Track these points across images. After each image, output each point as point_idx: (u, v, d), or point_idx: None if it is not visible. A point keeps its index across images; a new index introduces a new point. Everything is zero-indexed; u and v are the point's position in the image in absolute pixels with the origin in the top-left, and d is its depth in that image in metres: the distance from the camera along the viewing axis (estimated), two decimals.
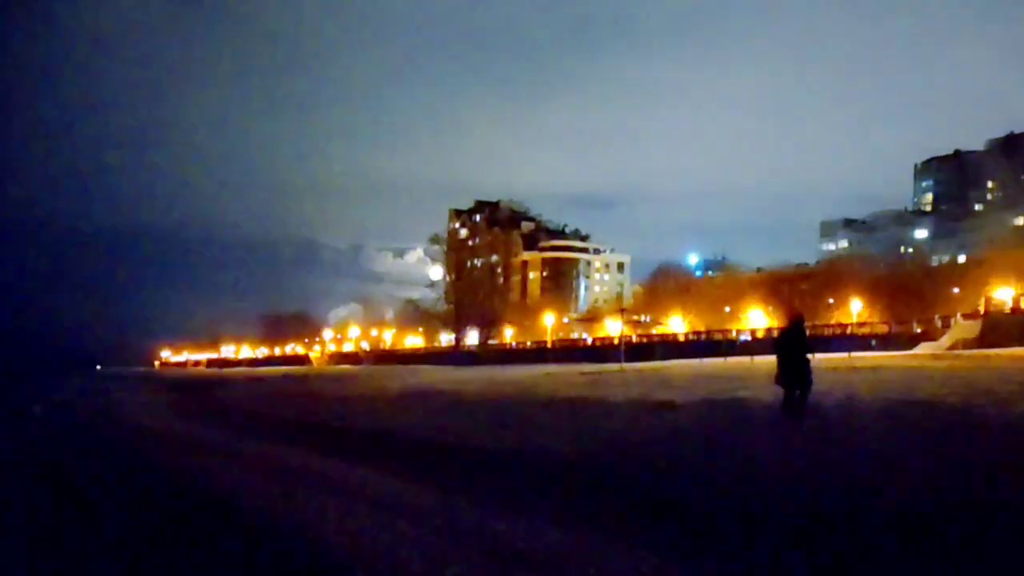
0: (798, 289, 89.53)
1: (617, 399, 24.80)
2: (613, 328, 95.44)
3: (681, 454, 13.73)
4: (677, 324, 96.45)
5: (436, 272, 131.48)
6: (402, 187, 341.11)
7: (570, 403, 25.07)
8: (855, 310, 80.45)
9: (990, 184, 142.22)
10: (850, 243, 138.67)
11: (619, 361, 52.26)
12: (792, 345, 17.05)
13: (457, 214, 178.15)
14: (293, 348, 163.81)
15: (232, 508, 10.96)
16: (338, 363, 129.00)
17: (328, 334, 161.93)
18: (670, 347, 79.38)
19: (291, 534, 9.25)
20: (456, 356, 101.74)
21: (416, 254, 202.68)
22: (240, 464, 15.71)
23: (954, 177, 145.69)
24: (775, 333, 73.22)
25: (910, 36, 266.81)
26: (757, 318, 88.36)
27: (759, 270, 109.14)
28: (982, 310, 61.66)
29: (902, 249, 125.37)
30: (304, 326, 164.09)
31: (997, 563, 7.31)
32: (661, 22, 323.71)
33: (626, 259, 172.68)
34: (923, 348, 53.92)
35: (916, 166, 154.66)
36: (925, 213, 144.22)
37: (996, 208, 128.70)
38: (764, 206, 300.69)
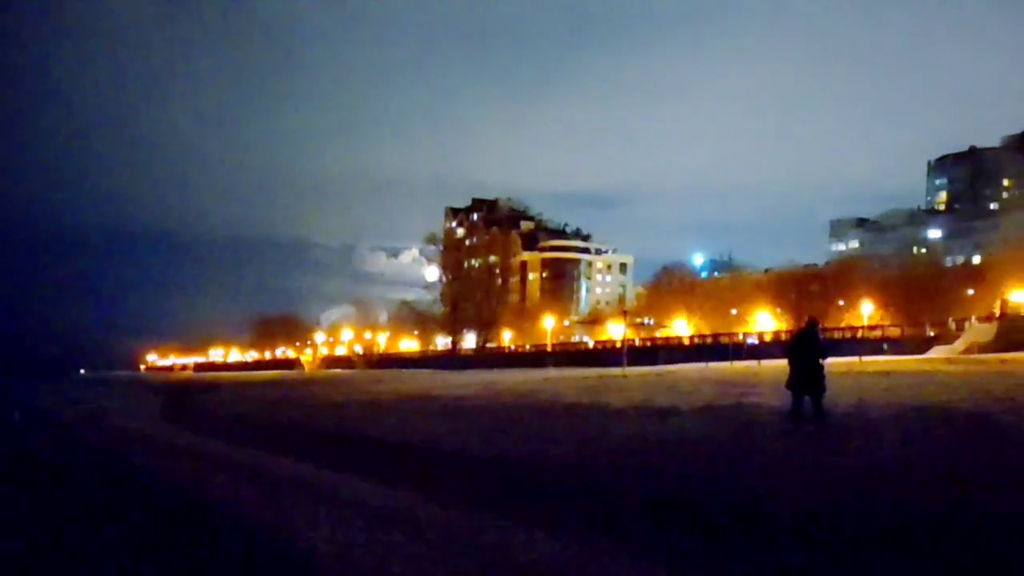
0: (807, 291, 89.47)
1: (619, 405, 24.79)
2: (615, 331, 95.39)
3: (685, 462, 13.73)
4: (681, 327, 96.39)
5: (432, 273, 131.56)
6: (397, 185, 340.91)
7: (570, 409, 25.06)
8: (866, 312, 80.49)
9: (1006, 182, 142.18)
10: (861, 243, 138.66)
11: (621, 365, 52.15)
12: (806, 349, 17.00)
13: (454, 213, 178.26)
14: (283, 352, 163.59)
15: (221, 517, 10.96)
16: (330, 367, 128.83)
17: (320, 337, 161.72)
18: (674, 351, 79.28)
19: (282, 546, 9.25)
20: (452, 360, 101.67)
21: (411, 254, 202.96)
22: (229, 472, 15.72)
23: (969, 175, 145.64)
24: (784, 336, 73.59)
25: (923, 29, 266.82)
26: (764, 321, 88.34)
27: (766, 271, 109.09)
28: (998, 312, 61.71)
29: (915, 249, 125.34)
30: (295, 329, 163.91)
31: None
32: (664, 15, 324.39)
33: (628, 259, 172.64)
34: (936, 352, 53.93)
35: (929, 163, 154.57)
36: (939, 212, 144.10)
37: (1012, 207, 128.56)
38: (772, 205, 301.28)
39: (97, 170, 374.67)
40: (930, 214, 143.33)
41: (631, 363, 56.16)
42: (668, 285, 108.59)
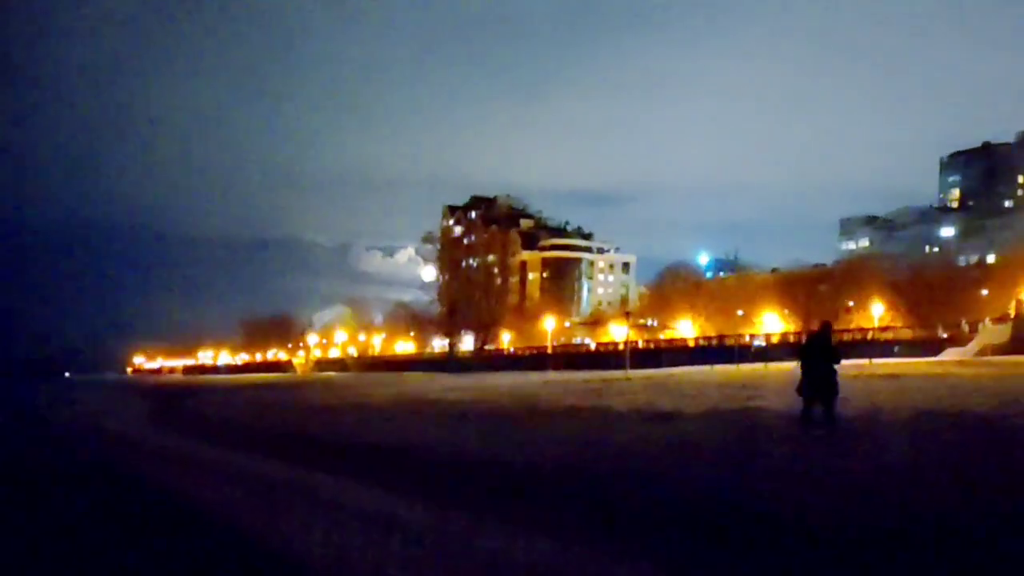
0: (816, 291, 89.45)
1: (622, 409, 24.83)
2: (618, 333, 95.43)
3: (689, 467, 13.77)
4: (686, 328, 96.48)
5: (429, 273, 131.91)
6: (393, 182, 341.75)
7: (572, 413, 25.10)
8: (877, 314, 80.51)
9: (1021, 179, 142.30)
10: (871, 242, 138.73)
11: (624, 368, 52.28)
12: (818, 353, 16.93)
13: (451, 211, 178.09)
14: (275, 354, 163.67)
15: (213, 523, 10.98)
16: (324, 370, 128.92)
17: (313, 339, 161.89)
18: (678, 353, 79.46)
19: (275, 551, 9.28)
20: (450, 363, 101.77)
21: (407, 253, 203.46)
22: (221, 478, 15.74)
23: (983, 171, 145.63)
24: (791, 338, 73.58)
25: (935, 23, 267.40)
26: (772, 322, 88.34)
27: (774, 271, 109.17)
28: (1013, 313, 61.83)
29: (927, 248, 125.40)
30: (287, 330, 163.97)
31: None
32: (670, 6, 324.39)
33: (631, 259, 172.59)
34: (949, 354, 54.05)
35: (942, 160, 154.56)
36: (952, 210, 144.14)
37: None
38: (779, 203, 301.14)
39: (84, 167, 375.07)
40: (943, 212, 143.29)
41: (634, 366, 56.27)
42: (672, 285, 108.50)
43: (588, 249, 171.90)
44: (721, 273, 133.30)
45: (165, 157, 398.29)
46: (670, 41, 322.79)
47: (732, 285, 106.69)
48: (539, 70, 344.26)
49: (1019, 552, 8.09)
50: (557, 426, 21.77)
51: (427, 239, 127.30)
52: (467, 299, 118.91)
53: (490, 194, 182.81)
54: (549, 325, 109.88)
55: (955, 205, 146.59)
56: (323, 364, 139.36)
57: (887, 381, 28.98)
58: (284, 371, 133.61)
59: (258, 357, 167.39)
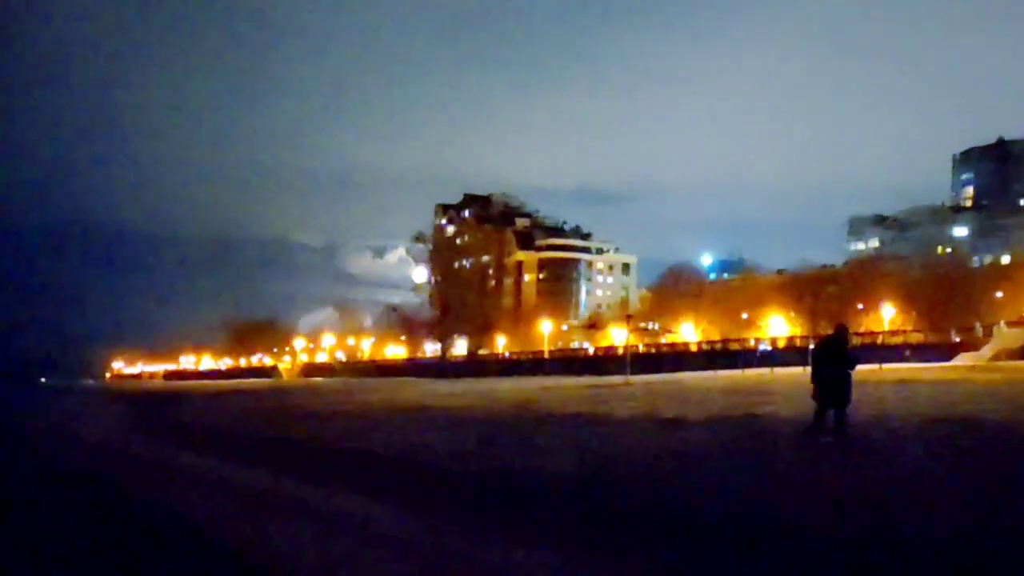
0: (824, 293, 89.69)
1: (622, 416, 24.88)
2: (618, 337, 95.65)
3: (693, 478, 13.79)
4: (689, 332, 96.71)
5: (420, 274, 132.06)
6: (383, 179, 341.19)
7: (570, 420, 25.12)
8: (887, 317, 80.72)
9: None
10: (881, 242, 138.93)
11: (624, 373, 52.35)
12: (833, 357, 16.79)
13: (444, 209, 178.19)
14: (260, 359, 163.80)
15: (196, 535, 10.99)
16: (310, 375, 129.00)
17: (299, 343, 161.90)
18: (681, 358, 79.68)
19: (264, 563, 9.29)
20: (442, 367, 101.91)
21: (398, 254, 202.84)
22: (204, 487, 15.75)
23: (997, 169, 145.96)
24: (799, 342, 73.66)
25: (948, 16, 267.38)
26: (778, 326, 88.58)
27: (780, 272, 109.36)
28: None
29: (939, 249, 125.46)
30: (273, 334, 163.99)
31: None
32: None
33: (632, 260, 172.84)
34: (962, 359, 54.19)
35: (955, 157, 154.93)
36: (965, 209, 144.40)
37: None
38: (786, 202, 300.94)
39: (58, 166, 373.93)
40: (955, 211, 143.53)
41: (635, 371, 56.36)
42: (674, 287, 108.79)
43: (587, 249, 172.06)
44: (725, 275, 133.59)
45: (143, 154, 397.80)
46: (672, 34, 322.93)
47: (736, 287, 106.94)
48: (536, 64, 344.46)
49: None
50: (554, 434, 21.77)
51: (418, 239, 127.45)
52: (460, 301, 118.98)
53: (484, 192, 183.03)
54: (546, 329, 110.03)
55: (968, 204, 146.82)
56: (310, 369, 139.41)
57: (898, 387, 29.06)
58: (269, 377, 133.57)
59: (242, 362, 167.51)
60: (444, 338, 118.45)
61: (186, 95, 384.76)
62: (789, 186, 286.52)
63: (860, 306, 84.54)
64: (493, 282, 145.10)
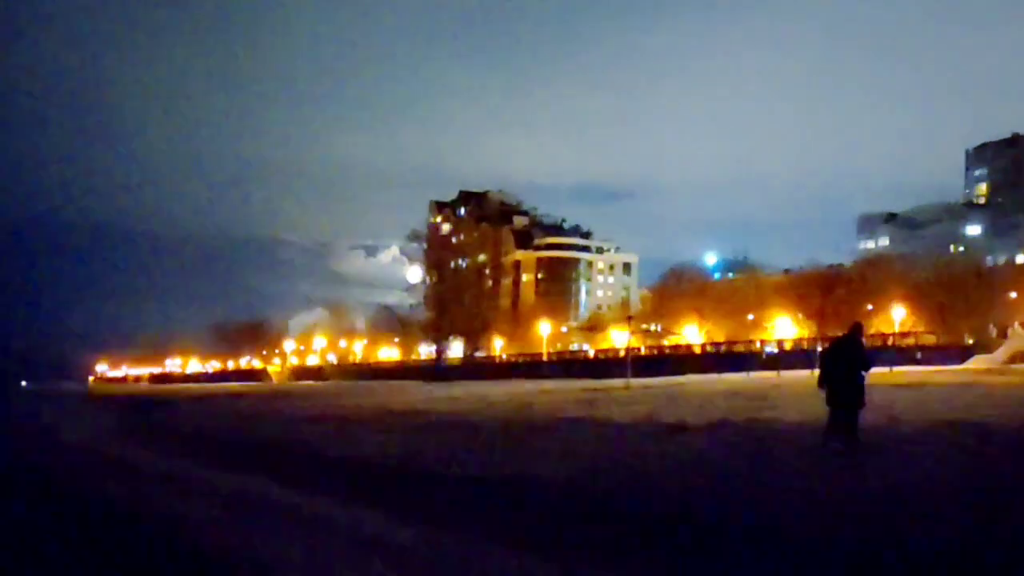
0: (832, 294, 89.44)
1: (622, 420, 24.90)
2: (618, 339, 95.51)
3: (696, 485, 13.79)
4: (692, 334, 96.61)
5: (414, 274, 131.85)
6: (376, 176, 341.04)
7: (568, 425, 25.15)
8: (897, 318, 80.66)
9: None
10: (892, 241, 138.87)
11: (625, 376, 52.32)
12: (846, 359, 16.61)
13: (439, 207, 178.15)
14: (249, 362, 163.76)
15: (183, 543, 10.98)
16: (301, 378, 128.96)
17: (290, 345, 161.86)
18: (684, 360, 79.55)
19: (254, 572, 9.29)
20: (438, 370, 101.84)
21: (391, 253, 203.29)
22: (192, 494, 15.74)
23: (1012, 164, 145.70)
24: (806, 344, 73.68)
25: (960, 7, 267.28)
26: (784, 327, 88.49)
27: (787, 272, 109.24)
28: None
29: (952, 248, 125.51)
30: (262, 336, 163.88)
31: None
32: None
33: (633, 259, 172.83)
34: (976, 362, 54.18)
35: (968, 152, 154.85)
36: (978, 206, 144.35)
37: None
38: (792, 199, 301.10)
39: (38, 161, 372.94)
40: (969, 208, 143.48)
41: (636, 374, 56.32)
42: (677, 288, 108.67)
43: (587, 248, 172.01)
44: (730, 274, 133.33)
45: (127, 150, 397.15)
46: (675, 27, 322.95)
47: (741, 287, 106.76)
48: (535, 57, 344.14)
49: None
50: (552, 440, 21.77)
51: (413, 237, 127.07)
52: (456, 302, 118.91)
53: (481, 189, 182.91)
54: (544, 330, 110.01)
55: (982, 201, 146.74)
56: (301, 372, 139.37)
57: (910, 391, 29.06)
58: (259, 380, 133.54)
59: (230, 365, 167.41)
60: (439, 340, 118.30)
61: (171, 89, 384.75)
62: (796, 183, 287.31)
63: (870, 307, 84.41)
64: (490, 282, 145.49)
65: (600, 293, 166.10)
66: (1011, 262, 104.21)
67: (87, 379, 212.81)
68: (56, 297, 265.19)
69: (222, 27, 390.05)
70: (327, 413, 38.76)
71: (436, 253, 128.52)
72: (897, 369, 43.79)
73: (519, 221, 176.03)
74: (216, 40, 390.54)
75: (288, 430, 31.02)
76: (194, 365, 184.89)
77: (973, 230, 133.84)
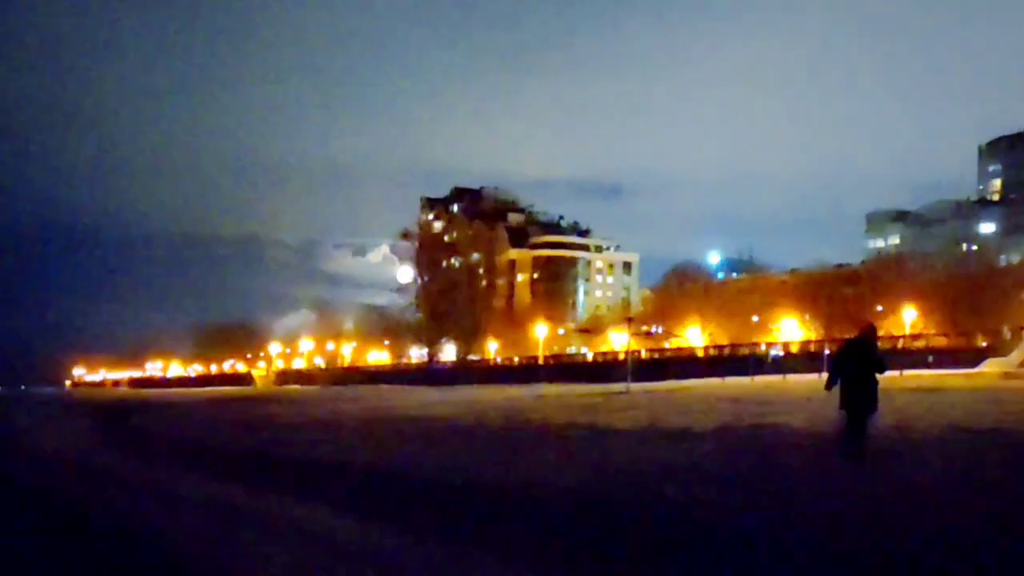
0: (840, 295, 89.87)
1: (622, 427, 24.91)
2: (618, 341, 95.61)
3: (699, 494, 13.78)
4: (695, 336, 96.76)
5: (405, 274, 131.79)
6: (364, 172, 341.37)
7: (566, 431, 25.16)
8: (908, 320, 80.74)
9: None
10: (902, 239, 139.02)
11: (625, 380, 52.32)
12: (858, 361, 16.53)
13: (430, 204, 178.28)
14: (233, 365, 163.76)
15: (163, 555, 10.97)
16: (287, 383, 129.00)
17: (275, 348, 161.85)
18: (686, 364, 79.55)
19: None
20: (430, 374, 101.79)
21: (381, 252, 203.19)
22: (171, 503, 15.73)
23: None
24: (813, 347, 73.66)
25: None
26: (791, 329, 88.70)
27: (793, 272, 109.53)
28: None
29: (964, 246, 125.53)
30: (246, 339, 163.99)
31: None
32: None
33: (634, 258, 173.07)
34: (990, 365, 54.12)
35: (981, 147, 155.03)
36: (992, 203, 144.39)
37: None
38: (799, 196, 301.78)
39: (12, 157, 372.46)
40: (982, 205, 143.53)
41: (636, 378, 56.31)
42: (679, 288, 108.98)
43: (585, 247, 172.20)
44: (734, 274, 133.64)
45: (106, 144, 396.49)
46: (678, 16, 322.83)
47: (746, 288, 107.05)
48: (530, 45, 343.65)
49: None
50: (549, 447, 21.79)
51: (403, 236, 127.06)
52: (449, 303, 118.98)
53: (475, 185, 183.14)
54: (541, 332, 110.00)
55: (996, 198, 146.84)
56: (287, 376, 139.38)
57: (921, 396, 29.10)
58: (243, 384, 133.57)
59: (213, 368, 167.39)
60: (431, 343, 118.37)
61: (151, 80, 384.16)
62: (803, 179, 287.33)
63: (879, 308, 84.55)
64: (484, 282, 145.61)
65: (599, 294, 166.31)
66: None
67: (64, 383, 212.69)
68: (31, 298, 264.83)
69: (203, 20, 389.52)
70: (316, 419, 38.74)
71: (428, 252, 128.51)
72: (908, 373, 43.76)
73: (514, 218, 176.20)
74: (197, 33, 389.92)
75: (272, 437, 30.98)
76: (176, 369, 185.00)
77: (986, 228, 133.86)
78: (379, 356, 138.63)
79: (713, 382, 52.00)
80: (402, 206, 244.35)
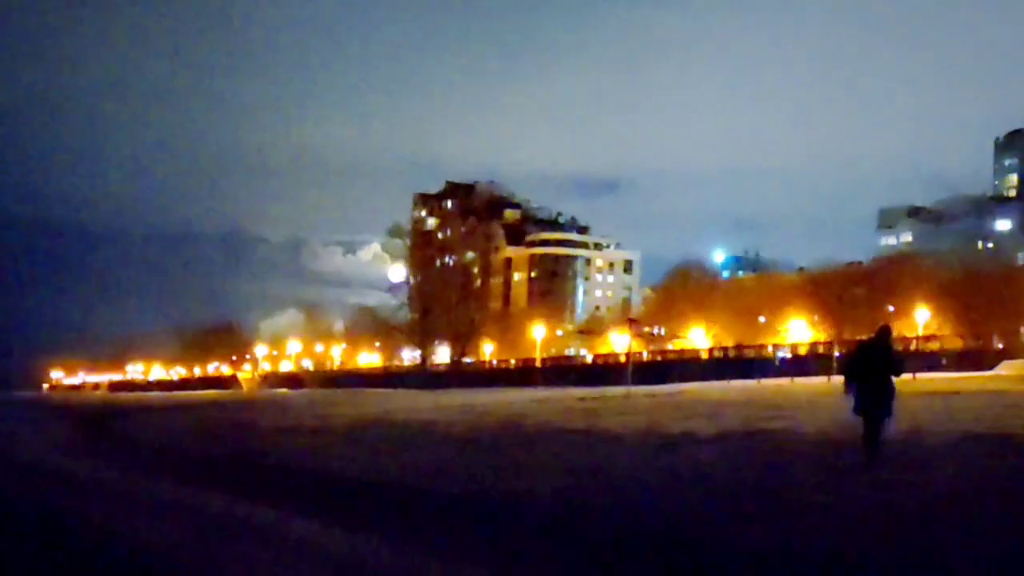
0: (850, 294, 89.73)
1: (622, 432, 24.91)
2: (618, 343, 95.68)
3: (703, 503, 13.76)
4: (698, 338, 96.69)
5: (397, 273, 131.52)
6: (353, 166, 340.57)
7: (562, 437, 25.15)
8: (921, 320, 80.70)
9: None
10: (915, 237, 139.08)
11: (625, 384, 52.33)
12: (874, 363, 16.45)
13: (423, 200, 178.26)
14: (217, 368, 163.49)
15: (142, 566, 10.92)
16: (274, 386, 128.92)
17: (261, 350, 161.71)
18: (689, 366, 79.67)
19: None
20: (422, 377, 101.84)
21: (372, 250, 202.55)
22: (152, 511, 15.68)
23: None
24: (821, 348, 73.74)
25: None
26: (799, 330, 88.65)
27: (801, 271, 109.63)
28: None
29: (980, 244, 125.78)
30: (231, 340, 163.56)
31: None
32: None
33: (635, 257, 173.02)
34: (1006, 368, 54.17)
35: (997, 141, 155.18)
36: (1008, 199, 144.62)
37: None
38: (808, 192, 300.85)
39: None
40: (998, 202, 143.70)
41: (637, 381, 56.32)
42: (682, 288, 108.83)
43: (584, 245, 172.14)
44: (740, 273, 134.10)
45: (81, 138, 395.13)
46: (681, 6, 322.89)
47: (752, 287, 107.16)
48: (526, 37, 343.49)
49: None
50: (546, 453, 21.77)
51: (394, 233, 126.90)
52: (442, 303, 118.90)
53: (469, 180, 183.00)
54: (538, 334, 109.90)
55: (1012, 193, 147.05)
56: (274, 379, 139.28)
57: (935, 399, 29.10)
58: (228, 387, 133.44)
59: (197, 371, 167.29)
60: (424, 344, 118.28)
61: (131, 71, 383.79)
62: (811, 174, 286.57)
63: (891, 308, 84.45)
64: (479, 281, 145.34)
65: (599, 293, 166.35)
66: None
67: (41, 387, 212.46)
68: (5, 299, 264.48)
69: (186, 11, 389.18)
70: (304, 424, 38.73)
71: (420, 250, 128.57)
72: (921, 376, 43.81)
73: (510, 215, 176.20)
74: (181, 26, 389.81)
75: (262, 443, 30.99)
76: (157, 372, 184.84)
77: (1003, 225, 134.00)
78: (370, 358, 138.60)
79: (718, 385, 52.07)
80: (393, 202, 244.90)
